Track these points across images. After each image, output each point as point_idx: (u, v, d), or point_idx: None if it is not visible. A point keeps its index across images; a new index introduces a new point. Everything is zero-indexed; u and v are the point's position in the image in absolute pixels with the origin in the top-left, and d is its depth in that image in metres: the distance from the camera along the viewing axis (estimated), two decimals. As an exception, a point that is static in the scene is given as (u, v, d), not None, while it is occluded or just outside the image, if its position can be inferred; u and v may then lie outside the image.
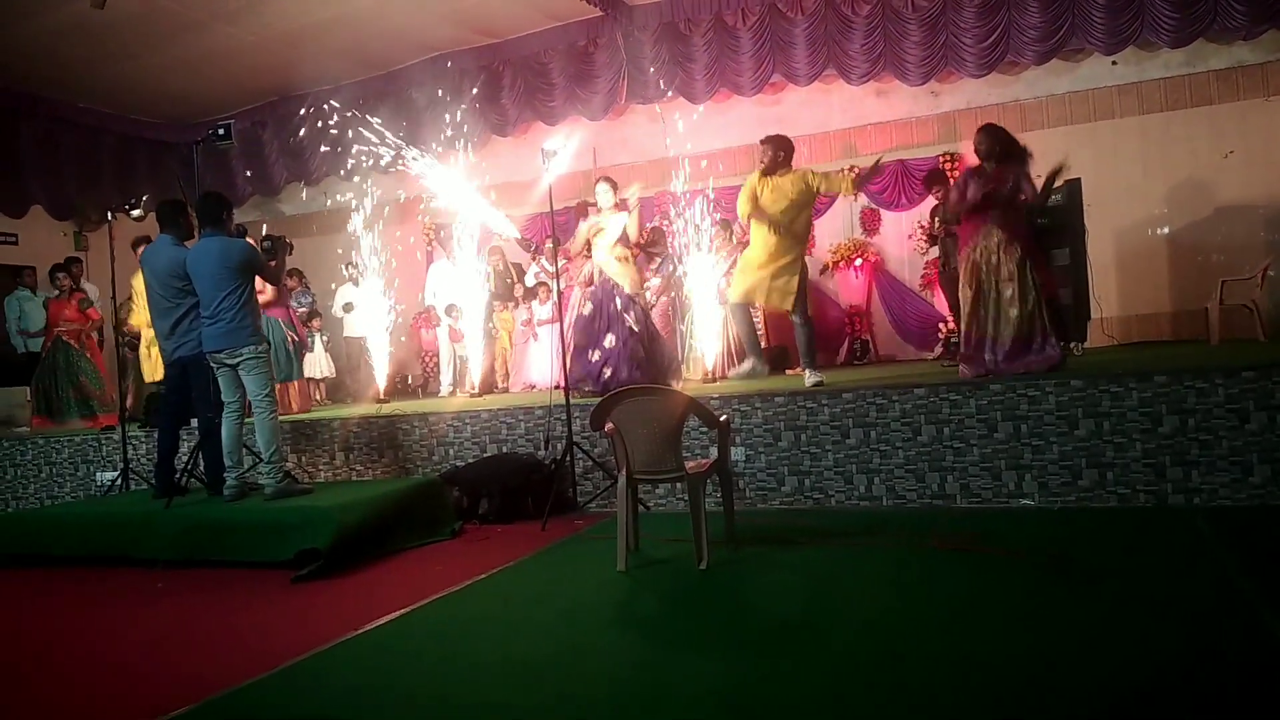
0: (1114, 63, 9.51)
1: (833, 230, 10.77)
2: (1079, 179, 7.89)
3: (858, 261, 10.47)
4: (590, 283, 7.84)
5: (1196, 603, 3.55)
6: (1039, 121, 9.92)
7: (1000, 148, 6.11)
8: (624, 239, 7.48)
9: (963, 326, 6.22)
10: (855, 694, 2.93)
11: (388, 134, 8.78)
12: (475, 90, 10.53)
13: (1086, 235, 8.01)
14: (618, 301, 7.41)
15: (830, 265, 10.58)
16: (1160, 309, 9.54)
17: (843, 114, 10.65)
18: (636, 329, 7.38)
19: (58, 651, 4.18)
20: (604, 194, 7.48)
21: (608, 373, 7.27)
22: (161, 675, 3.66)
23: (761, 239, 6.76)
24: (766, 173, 6.71)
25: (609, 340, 7.37)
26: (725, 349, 8.91)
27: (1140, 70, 9.56)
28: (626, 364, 7.27)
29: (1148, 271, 9.57)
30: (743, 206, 6.71)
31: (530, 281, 10.21)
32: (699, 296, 8.63)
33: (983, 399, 5.57)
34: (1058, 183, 6.15)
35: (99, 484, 7.90)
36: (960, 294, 6.22)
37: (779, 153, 6.72)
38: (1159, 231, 9.60)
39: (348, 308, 10.74)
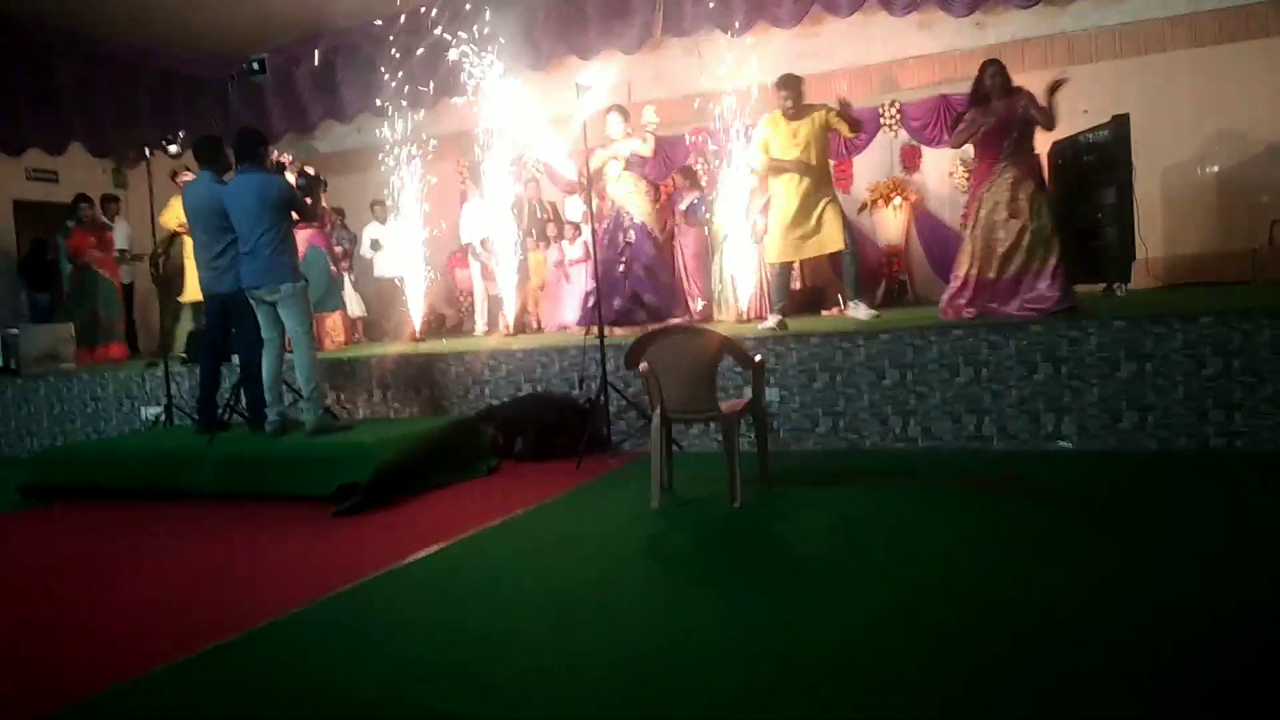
0: (1167, -8, 9.18)
1: (871, 168, 10.57)
2: (1127, 115, 7.65)
3: (896, 200, 10.29)
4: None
5: (1237, 549, 3.52)
6: (1087, 55, 9.61)
7: (1005, 81, 6.15)
8: (634, 163, 7.45)
9: (964, 266, 6.18)
10: (889, 634, 2.95)
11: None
12: (507, 24, 10.37)
13: (1134, 173, 7.81)
14: (630, 232, 7.43)
15: (868, 204, 10.41)
16: (1207, 249, 9.31)
17: (884, 46, 10.37)
18: (645, 257, 7.42)
19: (104, 582, 4.31)
20: (614, 123, 7.44)
21: (616, 302, 7.37)
22: (207, 605, 3.76)
23: (789, 190, 6.71)
24: (791, 116, 6.67)
25: (619, 269, 7.44)
26: (759, 290, 8.85)
27: (1194, 1, 9.20)
28: (629, 293, 7.38)
29: (1195, 211, 9.32)
30: (759, 160, 6.78)
31: (574, 217, 10.15)
32: (732, 235, 8.55)
33: (1022, 340, 5.50)
34: (1057, 93, 6.04)
35: (143, 419, 8.06)
36: (967, 233, 6.20)
37: (798, 93, 6.71)
38: (1208, 170, 9.33)
39: (375, 245, 10.76)
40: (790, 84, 6.71)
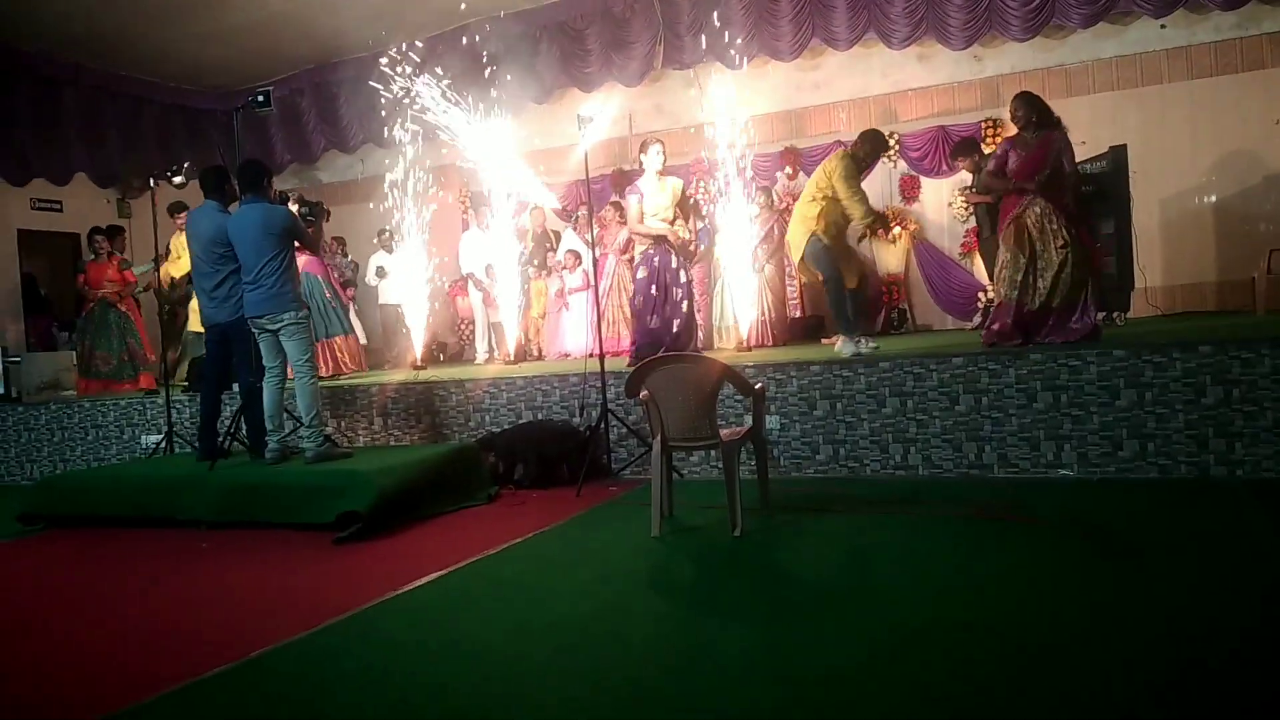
0: (1163, 26, 9.26)
1: (870, 198, 10.51)
2: (1124, 145, 7.74)
3: (896, 230, 10.35)
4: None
5: (1236, 576, 3.51)
6: (1085, 87, 9.71)
7: (1038, 116, 6.06)
8: (672, 201, 7.39)
9: (1003, 294, 6.11)
10: (893, 662, 2.93)
11: (413, 99, 8.75)
12: (510, 57, 10.50)
13: (1132, 203, 7.86)
14: (673, 261, 7.38)
15: (867, 234, 10.45)
16: (1206, 279, 9.36)
17: (883, 79, 10.48)
18: (686, 285, 7.40)
19: (105, 609, 4.30)
20: (657, 156, 7.36)
21: (675, 325, 7.31)
22: (207, 632, 3.74)
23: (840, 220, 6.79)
24: (861, 168, 6.79)
25: (673, 295, 7.36)
26: (760, 318, 8.89)
27: (1190, 33, 9.31)
28: (680, 319, 7.30)
29: (1193, 241, 9.37)
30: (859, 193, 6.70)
31: (567, 247, 10.19)
32: (733, 265, 8.59)
33: (1022, 368, 5.51)
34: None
35: (144, 447, 8.06)
36: (1005, 261, 6.11)
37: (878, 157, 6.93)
38: (1206, 200, 9.39)
39: (380, 272, 10.84)
40: (881, 143, 6.86)
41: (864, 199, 6.64)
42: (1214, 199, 9.35)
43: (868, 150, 6.73)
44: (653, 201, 7.33)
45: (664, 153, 7.37)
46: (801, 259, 6.90)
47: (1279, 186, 8.99)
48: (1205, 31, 9.24)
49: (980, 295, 9.63)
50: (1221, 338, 5.26)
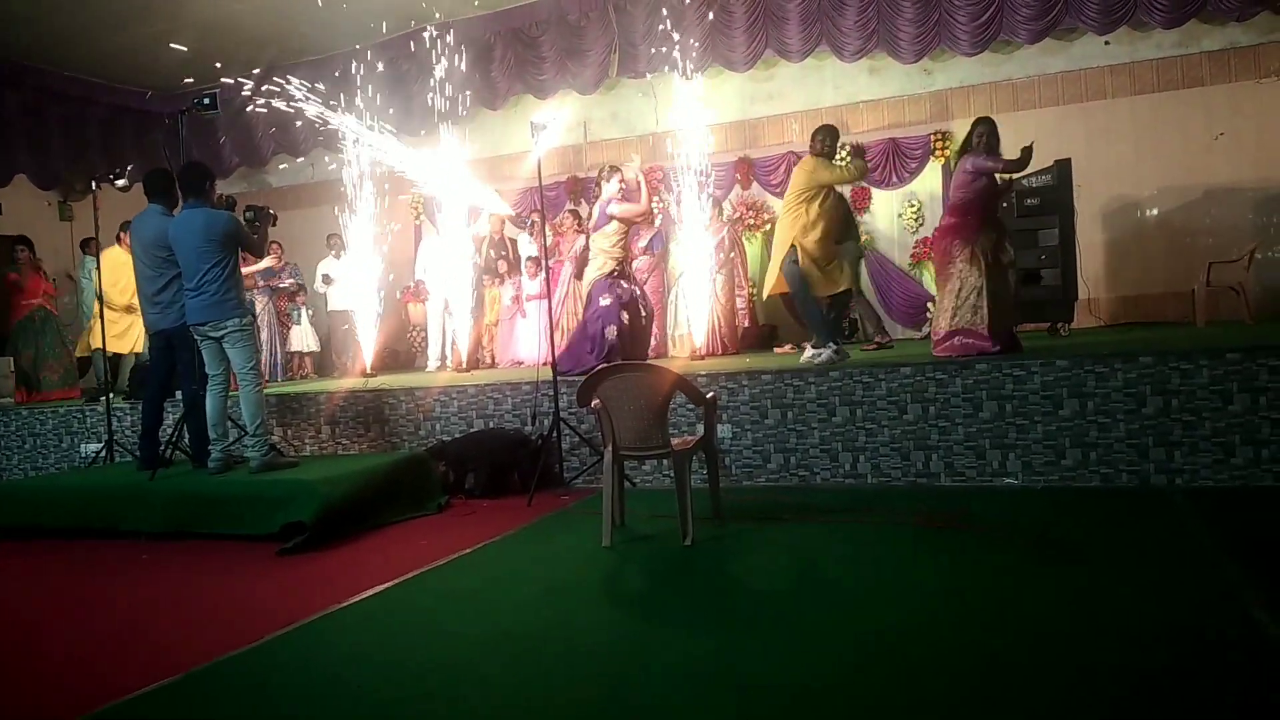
0: (1106, 42, 9.47)
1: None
2: (1069, 159, 7.88)
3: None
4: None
5: (1176, 583, 3.58)
6: (1031, 101, 9.89)
7: (995, 141, 6.22)
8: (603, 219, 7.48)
9: (984, 312, 6.04)
10: (841, 670, 2.94)
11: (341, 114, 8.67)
12: (464, 63, 10.44)
13: (1076, 215, 8.01)
14: (636, 291, 7.48)
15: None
16: (1148, 290, 9.56)
17: (835, 91, 10.59)
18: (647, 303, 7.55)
19: (44, 623, 4.18)
20: (618, 185, 7.43)
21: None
22: (147, 646, 3.66)
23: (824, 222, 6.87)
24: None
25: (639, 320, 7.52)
26: (713, 327, 8.92)
27: (1133, 50, 9.53)
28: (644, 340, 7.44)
29: (1136, 253, 9.58)
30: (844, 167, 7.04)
31: (528, 254, 10.14)
32: (687, 273, 8.61)
33: (968, 378, 5.58)
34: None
35: (83, 456, 7.87)
36: (973, 282, 6.10)
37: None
38: (1148, 213, 9.61)
39: (326, 280, 10.73)
40: (835, 132, 7.02)
41: (847, 166, 6.93)
42: (1156, 212, 9.57)
43: (828, 143, 6.92)
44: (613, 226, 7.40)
45: (623, 182, 7.41)
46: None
47: (1218, 201, 9.23)
48: (1148, 49, 9.46)
49: (929, 305, 9.74)
50: (1162, 349, 5.37)
